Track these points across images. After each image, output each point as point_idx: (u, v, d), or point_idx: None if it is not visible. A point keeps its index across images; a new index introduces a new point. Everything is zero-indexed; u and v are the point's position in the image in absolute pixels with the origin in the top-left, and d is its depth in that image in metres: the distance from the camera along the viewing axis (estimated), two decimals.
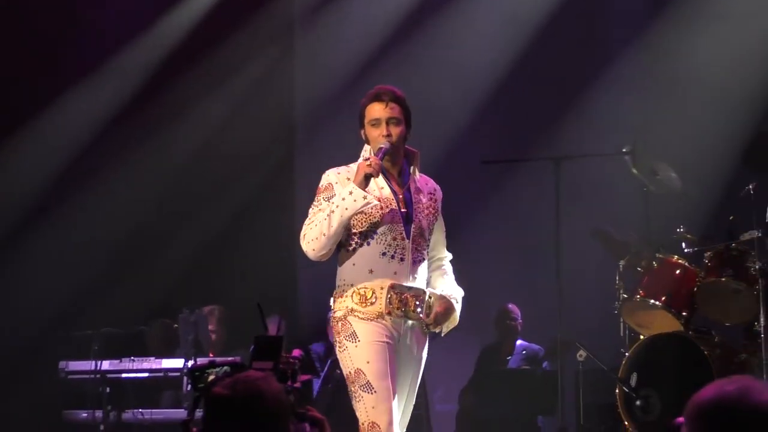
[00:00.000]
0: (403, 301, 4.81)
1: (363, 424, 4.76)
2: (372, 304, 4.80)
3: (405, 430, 5.02)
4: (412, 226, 4.88)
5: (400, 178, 4.99)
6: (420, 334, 4.95)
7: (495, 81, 10.09)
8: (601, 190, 9.19)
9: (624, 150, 7.58)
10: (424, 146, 9.86)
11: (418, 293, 4.86)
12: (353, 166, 4.93)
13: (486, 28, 10.19)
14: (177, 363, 7.92)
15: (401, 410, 4.93)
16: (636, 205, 7.95)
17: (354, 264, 4.87)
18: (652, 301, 7.28)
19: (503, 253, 10.01)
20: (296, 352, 6.43)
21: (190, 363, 7.66)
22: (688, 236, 7.44)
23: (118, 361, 8.05)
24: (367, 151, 4.98)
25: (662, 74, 9.70)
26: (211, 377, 3.59)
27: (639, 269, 7.48)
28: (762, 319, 6.89)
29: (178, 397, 8.02)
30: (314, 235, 4.80)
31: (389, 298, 4.78)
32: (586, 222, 8.19)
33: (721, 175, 8.79)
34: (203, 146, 10.07)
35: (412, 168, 5.01)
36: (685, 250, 7.44)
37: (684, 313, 7.24)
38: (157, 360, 8.07)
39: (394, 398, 4.79)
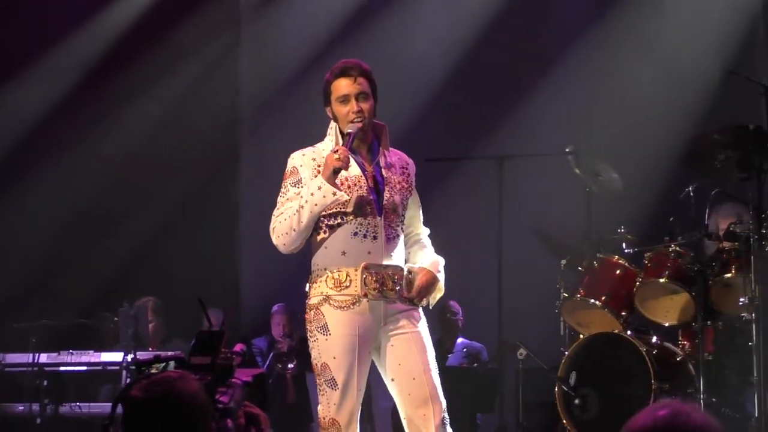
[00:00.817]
0: (379, 280, 4.65)
1: (323, 419, 4.68)
2: (347, 287, 4.65)
3: (444, 400, 4.81)
4: (384, 202, 4.72)
5: (369, 154, 4.83)
6: (408, 310, 4.76)
7: (440, 79, 10.12)
8: (543, 190, 9.25)
9: (567, 150, 7.62)
10: None
11: (396, 270, 4.70)
12: (320, 146, 4.80)
13: (432, 26, 10.22)
14: (116, 357, 7.87)
15: (423, 382, 4.70)
16: (578, 205, 7.99)
17: (326, 247, 4.72)
18: (592, 300, 7.32)
19: (445, 251, 10.00)
20: (238, 347, 6.40)
21: (129, 357, 7.61)
22: (629, 237, 7.50)
23: (56, 354, 7.97)
24: (333, 129, 4.81)
25: (603, 75, 9.77)
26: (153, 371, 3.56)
27: (580, 269, 7.53)
28: (699, 320, 6.96)
29: (117, 392, 7.96)
30: (284, 230, 4.69)
31: (364, 278, 4.63)
32: (528, 221, 8.23)
33: (662, 177, 8.87)
34: (147, 139, 10.01)
35: (381, 142, 4.85)
36: (626, 251, 7.49)
37: (623, 313, 7.29)
38: (95, 354, 8.01)
39: (359, 395, 4.68)
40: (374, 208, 4.70)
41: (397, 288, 4.69)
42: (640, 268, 7.33)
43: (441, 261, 4.95)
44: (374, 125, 4.85)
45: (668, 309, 7.34)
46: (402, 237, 4.84)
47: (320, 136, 10.46)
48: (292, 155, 4.81)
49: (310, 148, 4.82)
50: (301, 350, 8.64)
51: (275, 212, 4.77)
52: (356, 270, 4.64)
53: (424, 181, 9.75)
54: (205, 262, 9.89)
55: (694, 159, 7.30)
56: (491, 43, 10.03)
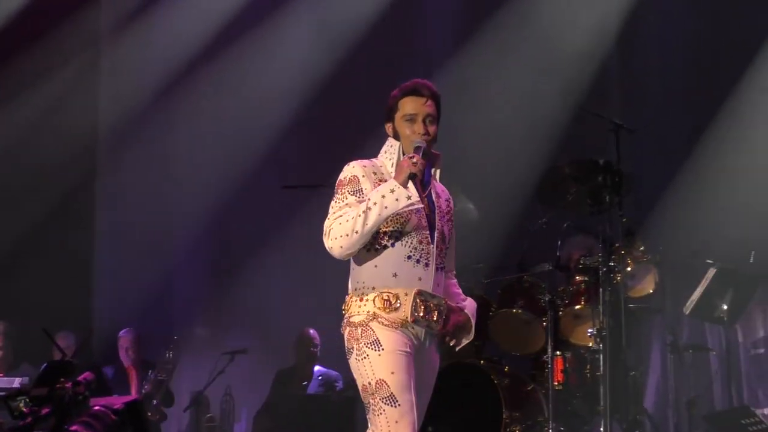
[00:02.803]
0: (428, 309, 4.45)
1: None
2: (396, 310, 4.41)
3: None
4: (436, 231, 4.52)
5: (421, 181, 4.55)
6: (437, 345, 4.58)
7: (300, 105, 10.13)
8: None
9: None
10: (229, 167, 10.01)
11: (440, 303, 4.50)
12: (377, 162, 4.57)
13: (294, 52, 10.23)
14: None
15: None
16: None
17: (376, 266, 4.45)
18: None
19: (300, 277, 10.03)
20: (86, 375, 6.27)
21: None
22: (482, 267, 7.61)
23: None
24: (395, 147, 4.58)
25: (462, 106, 9.90)
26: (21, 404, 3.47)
27: None
28: (549, 350, 7.09)
29: None
30: (344, 232, 4.37)
31: (415, 305, 4.42)
32: None
33: (517, 208, 9.01)
34: (1, 159, 9.79)
35: (434, 171, 4.63)
36: (480, 281, 7.60)
37: (476, 342, 7.38)
38: None
39: (420, 416, 4.44)
40: (428, 235, 4.50)
41: (440, 320, 4.50)
42: (494, 298, 7.43)
43: (475, 304, 4.75)
44: (430, 153, 4.61)
45: (520, 339, 7.46)
46: (444, 270, 4.64)
47: (177, 158, 10.40)
48: (351, 164, 4.55)
49: (368, 161, 4.57)
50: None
51: (330, 216, 4.47)
52: (407, 294, 4.42)
53: (282, 207, 9.89)
54: (58, 287, 9.68)
55: (547, 192, 7.44)
56: (353, 69, 10.08)
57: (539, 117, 9.57)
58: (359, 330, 4.43)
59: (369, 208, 4.33)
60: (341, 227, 4.38)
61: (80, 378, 4.16)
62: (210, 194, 10.13)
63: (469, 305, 4.69)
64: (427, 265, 4.46)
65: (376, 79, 10.09)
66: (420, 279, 4.45)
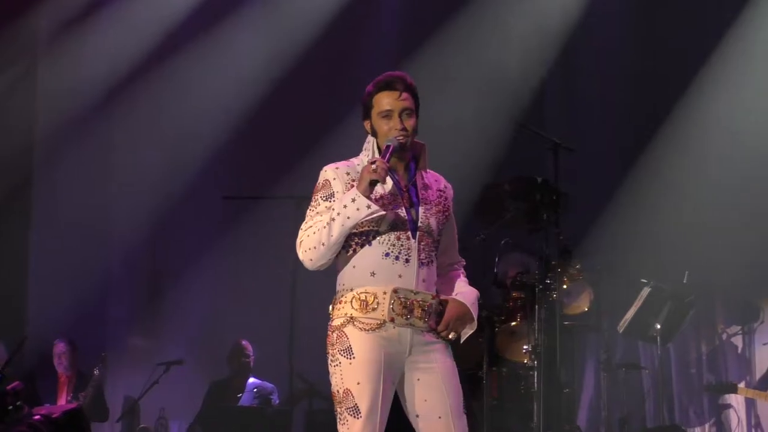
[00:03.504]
0: (408, 307, 4.31)
1: None
2: (374, 310, 4.28)
3: None
4: (419, 224, 4.38)
5: (406, 173, 4.49)
6: (438, 343, 4.40)
7: (242, 116, 10.10)
8: None
9: None
10: (169, 176, 9.95)
11: (426, 299, 4.35)
12: (355, 161, 4.46)
13: (235, 64, 10.21)
14: None
15: (451, 424, 4.36)
16: None
17: (354, 266, 4.34)
18: None
19: (239, 289, 10.00)
20: (15, 385, 6.21)
21: None
22: None
23: None
24: (370, 144, 4.49)
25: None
26: None
27: None
28: (485, 366, 7.11)
29: None
30: (312, 244, 4.29)
31: (392, 303, 4.29)
32: None
33: (456, 224, 9.03)
34: None
35: (420, 161, 4.52)
36: None
37: None
38: None
39: (381, 427, 4.30)
40: (409, 230, 4.36)
41: (426, 318, 4.36)
42: None
43: (475, 293, 4.57)
44: (413, 143, 4.51)
45: (456, 354, 7.47)
46: (435, 264, 4.47)
47: (115, 166, 10.32)
48: (325, 168, 4.44)
49: (344, 162, 4.45)
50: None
51: (303, 226, 4.38)
52: (385, 293, 4.30)
53: (221, 218, 9.85)
54: None
55: (485, 208, 7.47)
56: (297, 82, 10.08)
57: (479, 134, 9.62)
58: (335, 335, 4.34)
59: (333, 219, 4.25)
60: (309, 240, 4.30)
61: (9, 388, 4.07)
62: (148, 203, 10.06)
63: (468, 294, 4.53)
64: (407, 261, 4.34)
65: (317, 92, 10.13)
66: (400, 276, 4.32)
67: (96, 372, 8.81)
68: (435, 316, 4.38)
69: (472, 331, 4.51)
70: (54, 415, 4.48)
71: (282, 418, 8.39)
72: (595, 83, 9.98)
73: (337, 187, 4.37)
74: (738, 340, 9.57)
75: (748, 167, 9.35)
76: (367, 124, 4.50)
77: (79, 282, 9.89)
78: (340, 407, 4.30)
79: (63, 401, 8.81)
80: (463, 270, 4.65)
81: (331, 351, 4.34)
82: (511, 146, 9.28)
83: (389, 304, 4.29)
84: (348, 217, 4.22)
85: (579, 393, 9.42)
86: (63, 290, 9.89)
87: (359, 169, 4.39)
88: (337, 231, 4.24)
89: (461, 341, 4.52)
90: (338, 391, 4.30)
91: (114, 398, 9.50)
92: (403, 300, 4.31)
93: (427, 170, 4.57)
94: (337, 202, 4.28)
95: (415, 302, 4.33)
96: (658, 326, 7.85)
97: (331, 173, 4.40)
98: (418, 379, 4.37)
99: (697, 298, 8.10)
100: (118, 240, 10.20)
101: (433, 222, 4.43)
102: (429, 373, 4.37)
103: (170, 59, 10.17)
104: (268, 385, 9.19)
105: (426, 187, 4.50)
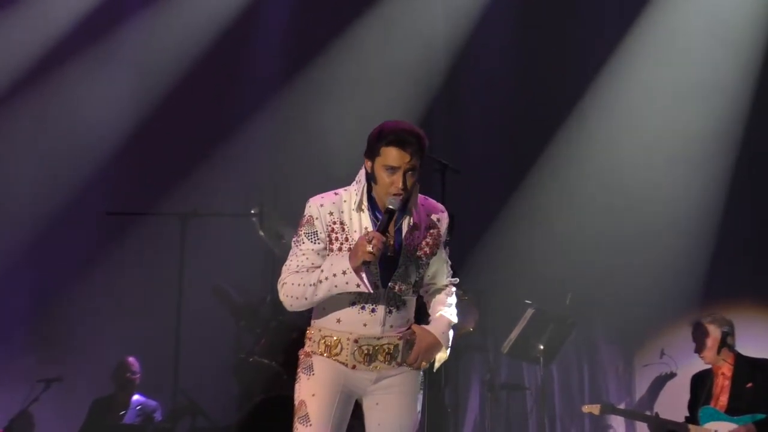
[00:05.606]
0: (370, 354, 4.41)
1: None
2: (337, 354, 4.42)
3: None
4: (396, 272, 4.42)
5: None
6: (403, 372, 4.50)
7: (126, 130, 9.97)
8: (227, 249, 9.26)
9: (252, 211, 7.69)
10: (52, 191, 9.77)
11: (392, 342, 4.44)
12: (343, 195, 4.48)
13: (120, 77, 10.09)
14: None
15: None
16: (262, 267, 8.05)
17: (324, 309, 4.45)
18: (267, 361, 7.36)
19: (124, 306, 9.87)
20: None
21: None
22: None
23: None
24: (362, 187, 4.45)
25: (296, 135, 9.92)
26: None
27: (257, 330, 7.57)
28: None
29: None
30: (295, 294, 4.38)
31: (353, 352, 4.41)
32: (209, 280, 8.23)
33: None
34: None
35: (409, 203, 4.46)
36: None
37: None
38: None
39: None
40: (378, 280, 4.39)
41: (394, 357, 4.45)
42: None
43: (450, 319, 4.61)
44: None
45: None
46: (413, 300, 4.55)
47: (17, 176, 10.08)
48: (310, 203, 4.49)
49: (329, 197, 4.49)
50: None
51: (288, 262, 4.46)
52: (348, 339, 4.42)
53: (106, 233, 9.72)
54: None
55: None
56: (183, 95, 9.99)
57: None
58: (302, 357, 4.49)
59: (320, 281, 4.33)
60: (294, 288, 4.39)
61: None
62: (29, 219, 9.88)
63: (438, 322, 4.59)
64: (373, 310, 4.41)
65: (208, 105, 10.07)
66: (365, 325, 4.42)
67: None
68: (404, 352, 4.47)
69: (445, 358, 4.62)
70: None
71: None
72: (481, 106, 10.12)
73: (318, 226, 4.44)
74: (619, 361, 9.76)
75: (630, 188, 9.56)
76: (367, 164, 4.49)
77: None
78: (294, 419, 4.42)
79: None
80: (449, 290, 4.69)
81: (297, 371, 4.50)
82: None
83: (351, 353, 4.42)
84: (335, 286, 4.31)
85: (463, 413, 9.50)
86: None
87: (345, 207, 4.47)
88: (322, 294, 4.37)
89: (434, 370, 4.67)
90: (295, 405, 4.43)
91: None
92: (365, 348, 4.42)
93: (424, 200, 4.58)
94: (328, 264, 4.35)
95: (379, 347, 4.44)
96: (541, 347, 7.97)
97: (314, 210, 4.46)
98: (377, 404, 4.51)
99: (579, 319, 8.25)
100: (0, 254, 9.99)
101: (411, 270, 4.47)
102: (386, 398, 4.49)
103: (55, 70, 10.00)
104: (152, 402, 9.06)
105: (414, 227, 4.49)
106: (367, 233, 4.34)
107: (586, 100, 9.83)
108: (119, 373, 9.15)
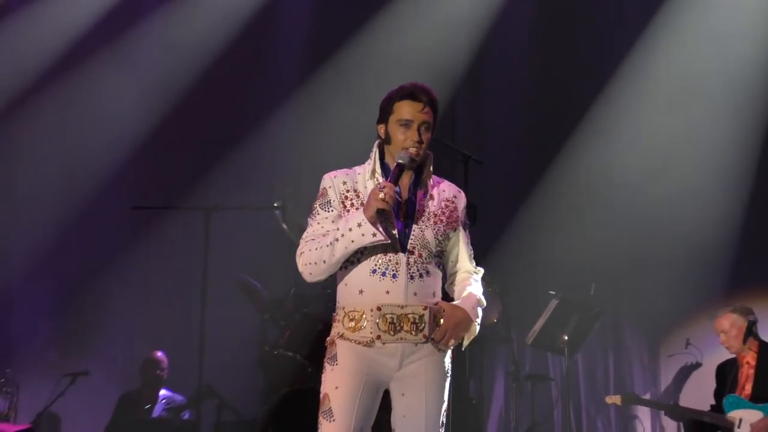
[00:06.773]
0: (394, 323, 4.27)
1: None
2: (362, 328, 4.28)
3: None
4: (411, 236, 4.34)
5: (408, 184, 4.43)
6: (431, 355, 4.37)
7: (148, 127, 10.00)
8: (251, 243, 9.27)
9: (275, 204, 7.69)
10: (76, 186, 9.82)
11: (416, 311, 4.30)
12: (357, 169, 4.47)
13: (142, 72, 10.12)
14: None
15: None
16: (285, 259, 8.05)
17: (346, 284, 4.35)
18: (292, 354, 7.37)
19: (150, 301, 9.91)
20: None
21: None
22: (330, 293, 7.61)
23: None
24: (374, 153, 4.47)
25: (316, 129, 9.93)
26: None
27: (282, 323, 7.58)
28: None
29: None
30: (313, 259, 4.30)
31: (377, 321, 4.27)
32: (233, 274, 8.23)
33: None
34: None
35: (424, 171, 4.44)
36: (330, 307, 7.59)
37: (310, 369, 7.36)
38: None
39: (359, 431, 4.27)
40: (397, 244, 4.31)
41: (420, 329, 4.31)
42: None
43: (478, 297, 4.48)
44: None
45: None
46: (438, 274, 4.43)
47: (21, 175, 10.14)
48: (324, 176, 4.47)
49: (343, 171, 4.47)
50: None
51: (304, 236, 4.40)
52: (371, 310, 4.29)
53: (131, 228, 9.75)
54: None
55: None
56: (203, 91, 10.02)
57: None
58: (328, 347, 4.37)
59: (336, 239, 4.27)
60: (311, 254, 4.32)
61: None
62: (54, 215, 9.92)
63: (467, 299, 4.47)
64: (395, 276, 4.30)
65: (229, 101, 10.09)
66: (388, 292, 4.30)
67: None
68: (432, 326, 4.35)
69: (473, 336, 4.48)
70: None
71: (189, 429, 8.33)
72: (505, 97, 10.10)
73: (332, 195, 4.41)
74: (644, 352, 9.73)
75: (654, 180, 9.54)
76: (380, 129, 4.49)
77: None
78: (319, 412, 4.32)
79: None
80: (476, 275, 4.58)
81: (324, 361, 4.39)
82: None
83: (374, 323, 4.28)
84: (352, 241, 4.23)
85: (489, 404, 9.50)
86: None
87: (359, 179, 4.44)
88: (340, 252, 4.28)
89: (463, 348, 4.55)
90: (320, 397, 4.33)
91: (21, 413, 9.34)
92: (389, 317, 4.29)
93: (440, 180, 4.54)
94: (343, 222, 4.31)
95: (403, 316, 4.30)
96: (566, 338, 7.95)
97: (327, 181, 4.44)
98: (403, 395, 4.37)
99: (604, 309, 8.23)
100: (25, 250, 10.03)
101: (429, 235, 4.38)
102: (412, 390, 4.36)
103: (77, 68, 10.04)
104: (179, 397, 9.09)
105: (429, 197, 4.45)
106: (379, 183, 4.32)
107: (615, 89, 9.79)
108: (148, 369, 9.17)
